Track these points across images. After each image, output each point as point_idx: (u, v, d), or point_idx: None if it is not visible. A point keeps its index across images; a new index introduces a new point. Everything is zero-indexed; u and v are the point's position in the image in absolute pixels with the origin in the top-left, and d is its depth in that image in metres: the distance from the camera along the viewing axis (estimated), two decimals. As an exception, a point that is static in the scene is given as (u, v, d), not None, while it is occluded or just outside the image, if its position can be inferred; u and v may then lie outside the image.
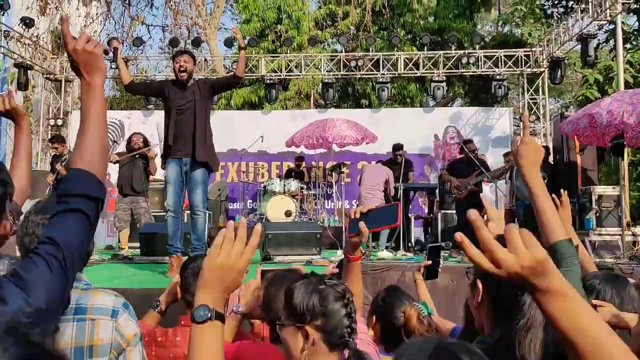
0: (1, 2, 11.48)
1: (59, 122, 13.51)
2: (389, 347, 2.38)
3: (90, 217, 1.26)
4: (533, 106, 13.29)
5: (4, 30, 12.14)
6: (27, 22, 12.39)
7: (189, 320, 2.31)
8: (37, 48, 13.46)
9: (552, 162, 10.71)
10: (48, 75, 13.79)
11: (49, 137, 11.60)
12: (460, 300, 5.85)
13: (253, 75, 14.18)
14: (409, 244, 8.13)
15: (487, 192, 8.54)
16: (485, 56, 12.99)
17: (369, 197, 7.85)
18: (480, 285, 1.43)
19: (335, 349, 1.56)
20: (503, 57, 12.96)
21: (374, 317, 2.54)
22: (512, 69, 13.14)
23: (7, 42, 12.29)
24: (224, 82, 5.78)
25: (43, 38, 14.82)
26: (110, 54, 5.59)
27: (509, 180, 9.12)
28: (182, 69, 5.35)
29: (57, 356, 0.63)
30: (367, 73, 13.42)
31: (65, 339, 1.61)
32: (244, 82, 17.55)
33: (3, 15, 11.89)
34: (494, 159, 11.38)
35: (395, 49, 13.77)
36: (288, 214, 10.19)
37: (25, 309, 1.11)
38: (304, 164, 12.17)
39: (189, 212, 5.81)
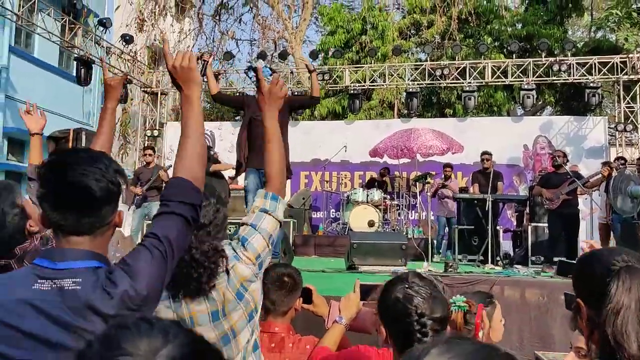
0: (104, 21, 12.34)
1: (155, 132, 14.28)
2: None
3: (187, 219, 1.43)
4: (630, 115, 12.61)
5: (106, 47, 13.01)
6: (127, 39, 13.20)
7: (267, 326, 2.42)
8: (135, 63, 14.30)
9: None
10: (145, 89, 14.60)
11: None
12: (553, 317, 5.63)
13: (337, 86, 14.34)
14: (497, 257, 7.92)
15: (581, 204, 8.17)
16: (577, 63, 12.47)
17: None
18: (581, 302, 1.39)
19: None
20: (597, 64, 12.38)
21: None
22: (606, 76, 12.53)
23: (109, 58, 13.15)
24: (300, 103, 5.77)
25: (140, 54, 15.74)
26: (200, 66, 5.86)
27: (604, 193, 8.69)
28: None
29: (214, 347, 0.72)
30: (452, 82, 13.24)
31: None
32: (328, 93, 17.80)
33: (105, 32, 12.74)
34: (588, 170, 10.89)
35: (482, 56, 13.50)
36: (371, 224, 10.22)
37: (130, 293, 1.27)
38: (387, 174, 12.15)
39: None
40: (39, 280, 1.27)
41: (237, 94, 13.35)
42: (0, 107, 12.85)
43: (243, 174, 6.01)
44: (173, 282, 1.59)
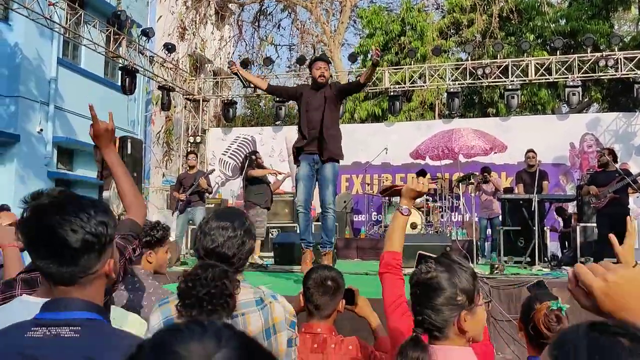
0: (147, 30, 12.62)
1: (198, 139, 14.51)
2: (536, 351, 2.31)
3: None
4: (683, 110, 12.14)
5: (150, 56, 13.31)
6: (169, 48, 13.47)
7: (309, 328, 2.41)
8: (177, 71, 14.58)
9: None
10: (187, 96, 14.86)
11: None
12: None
13: (376, 88, 14.27)
14: (545, 258, 7.72)
15: (632, 203, 7.90)
16: (625, 58, 12.06)
17: None
18: None
19: None
20: (646, 58, 11.96)
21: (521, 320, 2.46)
22: (657, 70, 12.08)
23: (152, 67, 13.44)
24: (347, 88, 5.89)
25: (182, 62, 16.03)
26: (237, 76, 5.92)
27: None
28: (322, 74, 5.51)
29: (267, 351, 0.72)
30: (494, 80, 13.00)
31: None
32: (368, 95, 17.74)
33: (148, 42, 13.04)
34: (638, 168, 10.54)
35: (525, 54, 13.20)
36: (414, 226, 10.11)
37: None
38: (428, 176, 12.00)
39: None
40: (32, 328, 1.23)
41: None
42: (50, 117, 13.28)
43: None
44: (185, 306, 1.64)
